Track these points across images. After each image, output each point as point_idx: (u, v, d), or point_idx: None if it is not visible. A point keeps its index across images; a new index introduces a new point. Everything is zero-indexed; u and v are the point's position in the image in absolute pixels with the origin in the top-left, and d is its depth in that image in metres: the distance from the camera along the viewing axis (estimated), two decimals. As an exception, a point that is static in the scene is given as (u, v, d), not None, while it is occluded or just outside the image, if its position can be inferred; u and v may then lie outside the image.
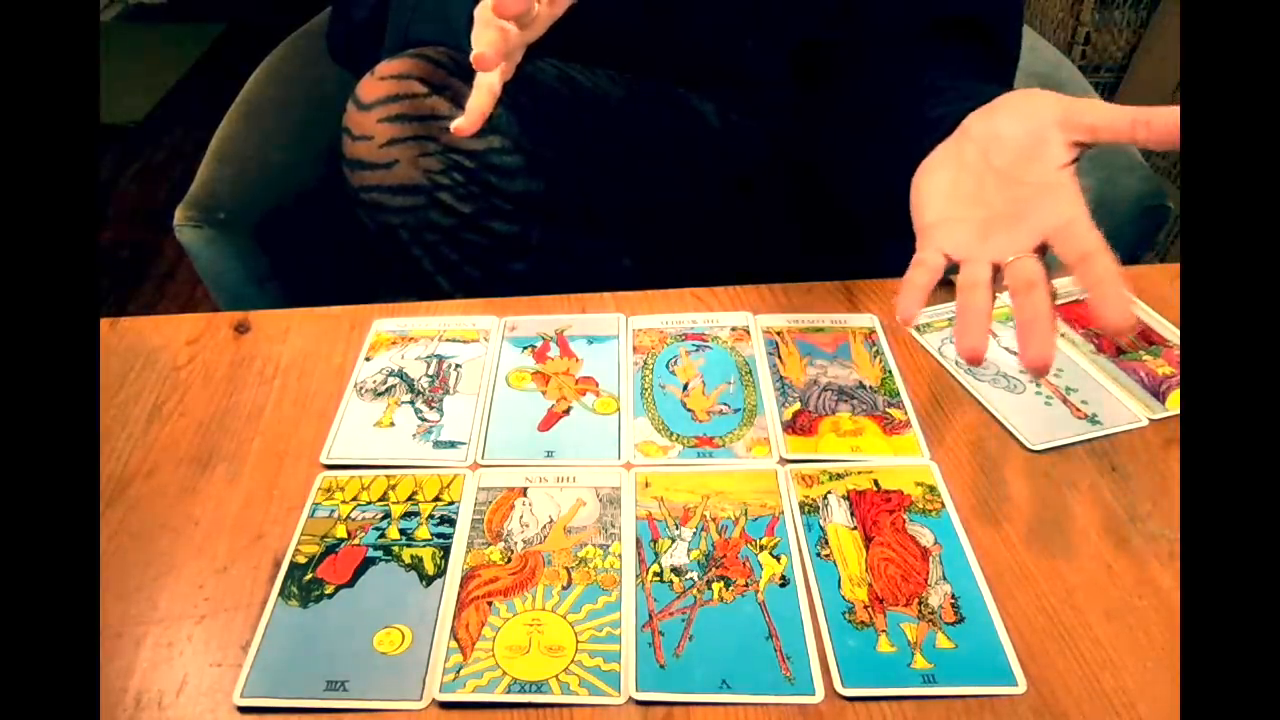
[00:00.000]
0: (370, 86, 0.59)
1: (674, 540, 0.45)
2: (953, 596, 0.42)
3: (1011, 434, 0.50)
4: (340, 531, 0.46)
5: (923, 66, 0.60)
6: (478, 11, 0.51)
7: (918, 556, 0.44)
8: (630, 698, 0.38)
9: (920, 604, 0.42)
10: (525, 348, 0.58)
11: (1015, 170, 0.47)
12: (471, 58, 0.49)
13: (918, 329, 0.59)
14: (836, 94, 0.63)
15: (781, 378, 0.55)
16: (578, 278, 0.65)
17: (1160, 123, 0.43)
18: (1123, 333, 0.44)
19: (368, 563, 0.44)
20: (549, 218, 0.60)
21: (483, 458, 0.50)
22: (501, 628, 0.41)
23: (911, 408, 0.53)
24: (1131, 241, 0.76)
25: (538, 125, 0.57)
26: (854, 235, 0.73)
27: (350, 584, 0.44)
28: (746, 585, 0.43)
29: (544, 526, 0.46)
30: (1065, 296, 0.61)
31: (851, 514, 0.46)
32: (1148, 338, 0.57)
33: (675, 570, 0.44)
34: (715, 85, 0.68)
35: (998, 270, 0.45)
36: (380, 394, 0.55)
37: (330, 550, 0.45)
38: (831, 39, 0.65)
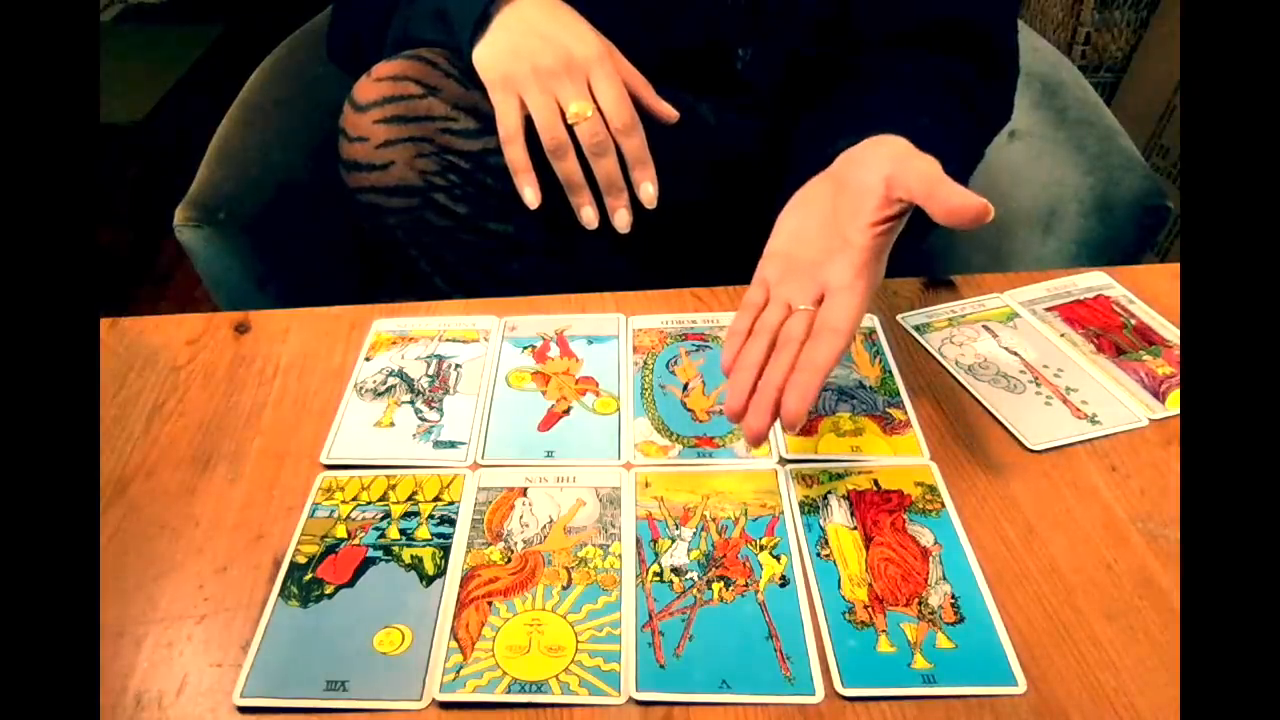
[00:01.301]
0: (366, 88, 0.59)
1: (674, 540, 0.45)
2: (953, 596, 0.42)
3: (1011, 434, 0.50)
4: (340, 531, 0.46)
5: (892, 83, 0.60)
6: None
7: (918, 556, 0.44)
8: (630, 698, 0.38)
9: (920, 604, 0.42)
10: (525, 348, 0.58)
11: (840, 218, 0.48)
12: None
13: (917, 329, 0.59)
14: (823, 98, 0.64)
15: (781, 378, 0.55)
16: (575, 278, 0.65)
17: (943, 194, 0.42)
18: (788, 424, 0.43)
19: (368, 563, 0.44)
20: (545, 218, 0.60)
21: (483, 458, 0.50)
22: (501, 628, 0.41)
23: (911, 408, 0.53)
24: (1131, 241, 0.76)
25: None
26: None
27: (350, 584, 0.44)
28: (746, 585, 0.43)
29: (544, 526, 0.46)
30: (1065, 296, 0.61)
31: (851, 514, 0.46)
32: (1148, 338, 0.57)
33: (675, 570, 0.44)
34: (710, 89, 0.68)
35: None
36: (380, 394, 0.55)
37: (330, 550, 0.45)
38: (823, 51, 0.65)
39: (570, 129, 0.57)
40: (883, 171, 0.46)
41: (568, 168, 0.58)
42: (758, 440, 0.44)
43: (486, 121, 0.59)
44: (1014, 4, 0.67)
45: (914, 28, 0.62)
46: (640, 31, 0.60)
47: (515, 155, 0.58)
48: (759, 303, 0.49)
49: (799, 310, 0.47)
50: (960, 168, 0.58)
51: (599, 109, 0.57)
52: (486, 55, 0.57)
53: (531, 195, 0.58)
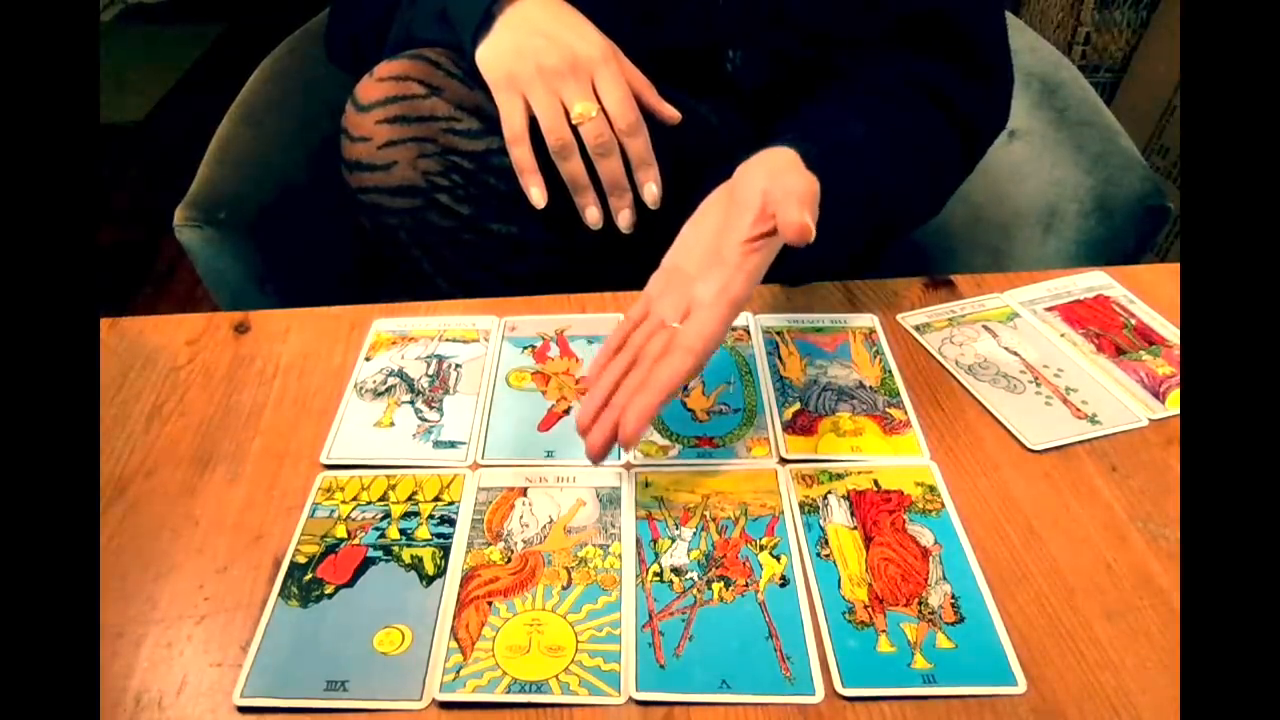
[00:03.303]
0: (369, 88, 0.59)
1: (674, 540, 0.45)
2: (953, 596, 0.42)
3: (1011, 434, 0.50)
4: (340, 531, 0.46)
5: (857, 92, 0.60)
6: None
7: (918, 556, 0.44)
8: (630, 698, 0.38)
9: (920, 604, 0.42)
10: (525, 348, 0.58)
11: (721, 232, 0.47)
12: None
13: (917, 329, 0.59)
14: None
15: (781, 378, 0.55)
16: (577, 278, 0.65)
17: (782, 211, 0.43)
18: (623, 444, 0.43)
19: (368, 563, 0.44)
20: (548, 218, 0.60)
21: (483, 458, 0.50)
22: (501, 628, 0.41)
23: (911, 408, 0.53)
24: (1131, 241, 0.76)
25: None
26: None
27: (350, 584, 0.44)
28: (746, 585, 0.43)
29: (544, 526, 0.46)
30: (1065, 296, 0.61)
31: (851, 514, 0.46)
32: (1148, 338, 0.57)
33: (675, 570, 0.44)
34: (702, 90, 0.68)
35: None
36: (380, 394, 0.55)
37: (330, 550, 0.45)
38: (813, 53, 0.65)
39: (575, 129, 0.57)
40: (760, 186, 0.46)
41: (572, 168, 0.58)
42: (596, 457, 0.44)
43: (489, 122, 0.59)
44: (996, 1, 0.66)
45: (893, 24, 0.62)
46: (630, 31, 0.60)
47: (521, 155, 0.58)
48: (636, 318, 0.48)
49: (666, 328, 0.46)
50: (904, 175, 0.59)
51: (603, 109, 0.57)
52: (490, 55, 0.57)
53: (538, 195, 0.58)
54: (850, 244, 0.60)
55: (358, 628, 0.41)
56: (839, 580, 0.43)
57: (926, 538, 0.45)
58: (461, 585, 0.43)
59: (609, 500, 0.47)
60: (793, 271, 0.52)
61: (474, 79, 0.59)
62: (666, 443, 0.51)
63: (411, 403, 0.54)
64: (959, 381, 0.54)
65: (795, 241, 0.43)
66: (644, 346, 0.46)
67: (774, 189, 0.45)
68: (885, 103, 0.60)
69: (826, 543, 0.45)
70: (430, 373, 0.56)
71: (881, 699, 0.38)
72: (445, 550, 0.45)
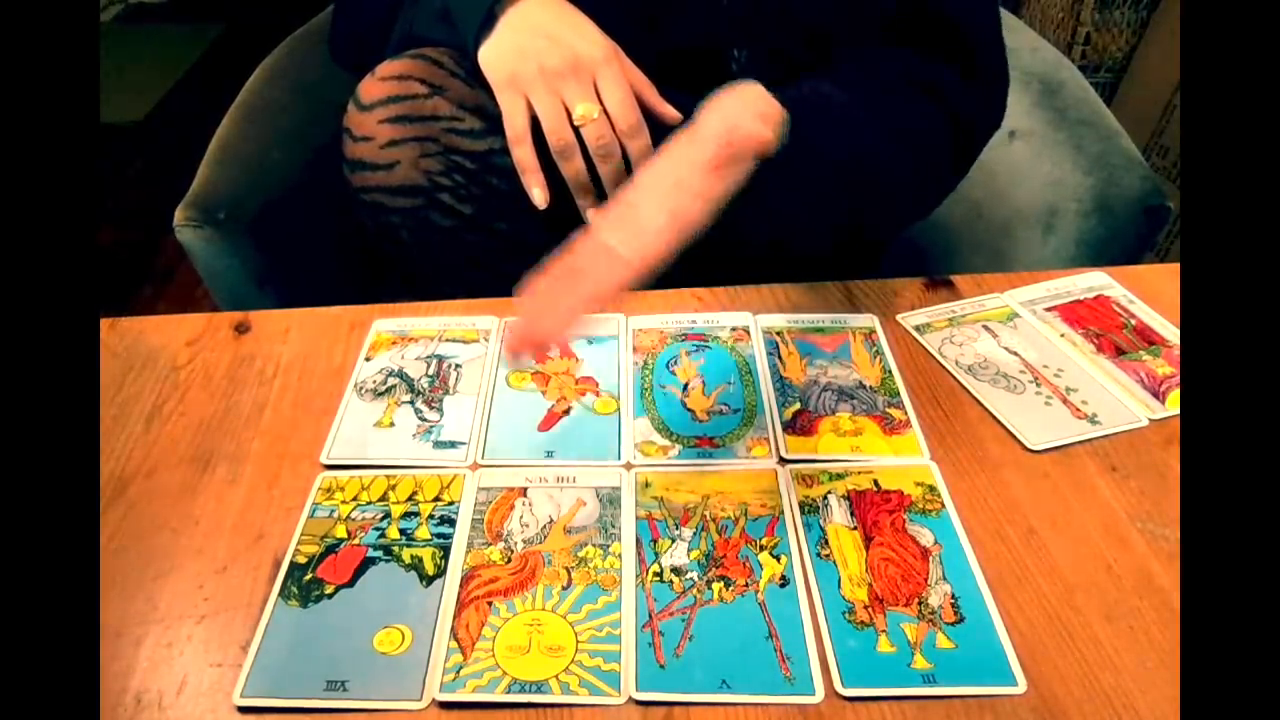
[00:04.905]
0: (371, 87, 0.59)
1: (674, 540, 0.45)
2: (953, 596, 0.42)
3: (1011, 434, 0.50)
4: (340, 531, 0.46)
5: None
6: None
7: (918, 556, 0.44)
8: (630, 698, 0.38)
9: (920, 604, 0.42)
10: (525, 348, 0.58)
11: (681, 163, 0.48)
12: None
13: (917, 329, 0.59)
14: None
15: (781, 378, 0.55)
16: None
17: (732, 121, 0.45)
18: (514, 346, 0.43)
19: (368, 563, 0.44)
20: (549, 219, 0.60)
21: (483, 458, 0.50)
22: (501, 628, 0.41)
23: (911, 408, 0.53)
24: (1131, 241, 0.76)
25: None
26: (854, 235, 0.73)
27: (350, 584, 0.44)
28: (746, 585, 0.43)
29: (544, 526, 0.46)
30: (1065, 296, 0.61)
31: (851, 514, 0.46)
32: (1148, 338, 0.57)
33: (675, 570, 0.44)
34: (706, 91, 0.68)
35: None
36: (380, 394, 0.55)
37: (330, 550, 0.45)
38: (816, 54, 0.65)
39: (576, 130, 0.57)
40: (722, 113, 0.48)
41: (574, 169, 0.58)
42: (513, 355, 0.43)
43: (491, 121, 0.59)
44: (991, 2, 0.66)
45: (893, 23, 0.62)
46: (634, 32, 0.60)
47: (523, 156, 0.58)
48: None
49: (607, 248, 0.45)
50: (891, 152, 0.59)
51: (605, 110, 0.57)
52: (492, 55, 0.57)
53: (540, 195, 0.58)
54: (828, 211, 0.60)
55: (358, 628, 0.41)
56: (839, 580, 0.43)
57: (926, 538, 0.45)
58: (461, 585, 0.43)
59: (609, 500, 0.47)
60: (775, 235, 0.52)
61: (476, 78, 0.59)
62: (666, 443, 0.51)
63: (411, 403, 0.54)
64: (959, 381, 0.54)
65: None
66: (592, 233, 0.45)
67: (734, 110, 0.46)
68: (875, 85, 0.60)
69: (826, 543, 0.45)
70: (430, 373, 0.56)
71: (881, 699, 0.38)
72: (445, 550, 0.45)
